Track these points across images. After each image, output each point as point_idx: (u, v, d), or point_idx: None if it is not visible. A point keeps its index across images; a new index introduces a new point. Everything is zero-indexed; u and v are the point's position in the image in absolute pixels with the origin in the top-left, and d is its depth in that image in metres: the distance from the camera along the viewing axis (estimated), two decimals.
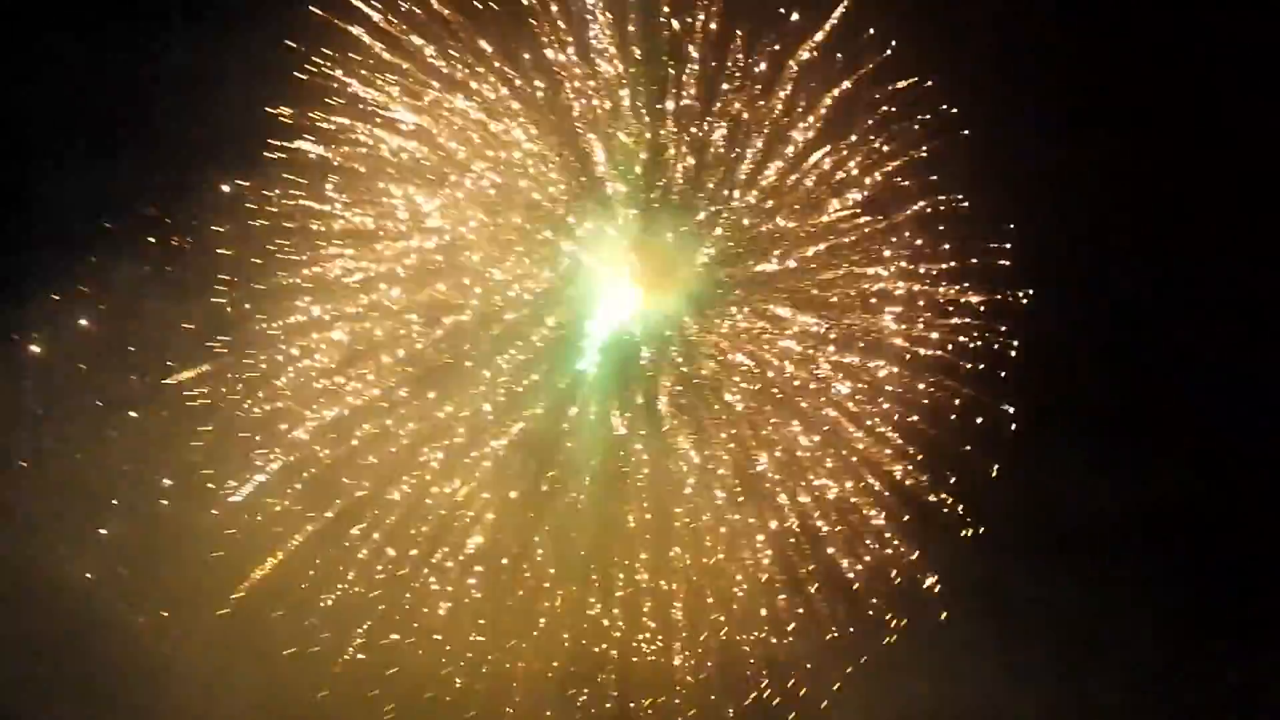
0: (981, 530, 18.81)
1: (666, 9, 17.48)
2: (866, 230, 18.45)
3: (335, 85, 16.50)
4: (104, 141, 15.86)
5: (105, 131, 15.83)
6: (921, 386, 18.61)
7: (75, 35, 15.72)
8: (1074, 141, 19.14)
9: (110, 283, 16.07)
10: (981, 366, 18.85)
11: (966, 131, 18.70)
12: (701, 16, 17.60)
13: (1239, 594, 19.44)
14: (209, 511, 17.06)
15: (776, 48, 17.82)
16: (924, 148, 18.48)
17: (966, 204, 18.58)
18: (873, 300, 18.27)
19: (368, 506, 17.85)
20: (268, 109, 15.99)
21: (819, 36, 17.92)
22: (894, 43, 18.24)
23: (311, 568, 17.57)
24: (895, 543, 18.58)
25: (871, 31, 18.01)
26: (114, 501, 16.73)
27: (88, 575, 16.63)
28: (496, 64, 17.28)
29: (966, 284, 18.78)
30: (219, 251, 16.58)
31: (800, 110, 18.12)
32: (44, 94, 16.06)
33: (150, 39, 15.58)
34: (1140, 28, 19.07)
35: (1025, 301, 19.41)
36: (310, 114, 16.47)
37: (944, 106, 18.43)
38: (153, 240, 16.22)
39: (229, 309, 16.87)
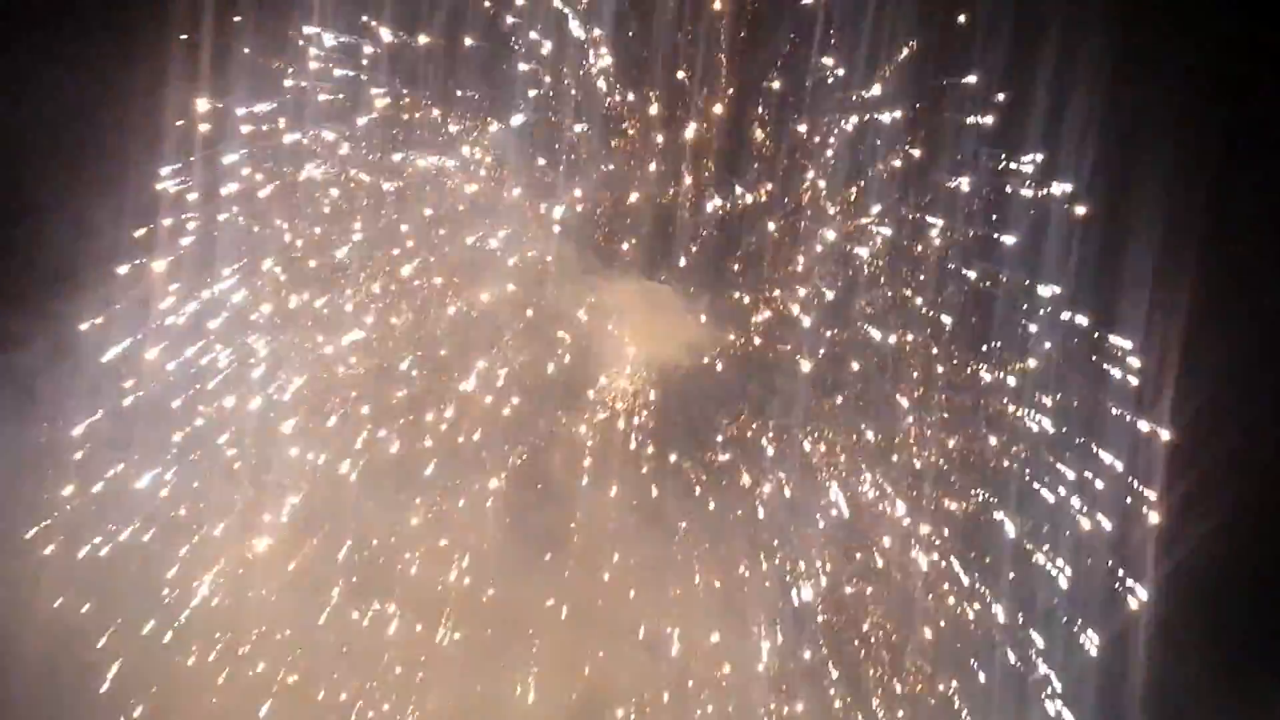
0: None
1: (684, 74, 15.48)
2: (931, 321, 14.83)
3: (321, 138, 15.87)
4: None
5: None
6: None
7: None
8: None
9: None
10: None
11: (1083, 209, 14.87)
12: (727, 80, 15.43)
13: None
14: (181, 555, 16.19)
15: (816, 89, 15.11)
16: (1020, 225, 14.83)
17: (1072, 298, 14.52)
18: (908, 406, 14.43)
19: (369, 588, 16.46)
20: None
21: (874, 92, 15.02)
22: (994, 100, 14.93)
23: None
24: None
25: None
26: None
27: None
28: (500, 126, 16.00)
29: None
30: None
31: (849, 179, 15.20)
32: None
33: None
34: None
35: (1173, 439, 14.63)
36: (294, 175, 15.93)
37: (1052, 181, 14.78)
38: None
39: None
